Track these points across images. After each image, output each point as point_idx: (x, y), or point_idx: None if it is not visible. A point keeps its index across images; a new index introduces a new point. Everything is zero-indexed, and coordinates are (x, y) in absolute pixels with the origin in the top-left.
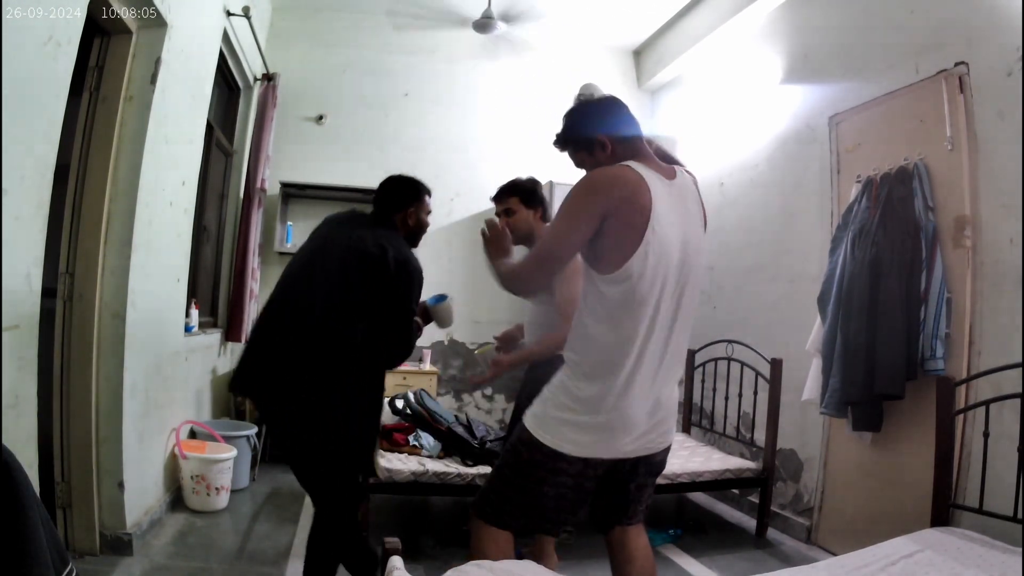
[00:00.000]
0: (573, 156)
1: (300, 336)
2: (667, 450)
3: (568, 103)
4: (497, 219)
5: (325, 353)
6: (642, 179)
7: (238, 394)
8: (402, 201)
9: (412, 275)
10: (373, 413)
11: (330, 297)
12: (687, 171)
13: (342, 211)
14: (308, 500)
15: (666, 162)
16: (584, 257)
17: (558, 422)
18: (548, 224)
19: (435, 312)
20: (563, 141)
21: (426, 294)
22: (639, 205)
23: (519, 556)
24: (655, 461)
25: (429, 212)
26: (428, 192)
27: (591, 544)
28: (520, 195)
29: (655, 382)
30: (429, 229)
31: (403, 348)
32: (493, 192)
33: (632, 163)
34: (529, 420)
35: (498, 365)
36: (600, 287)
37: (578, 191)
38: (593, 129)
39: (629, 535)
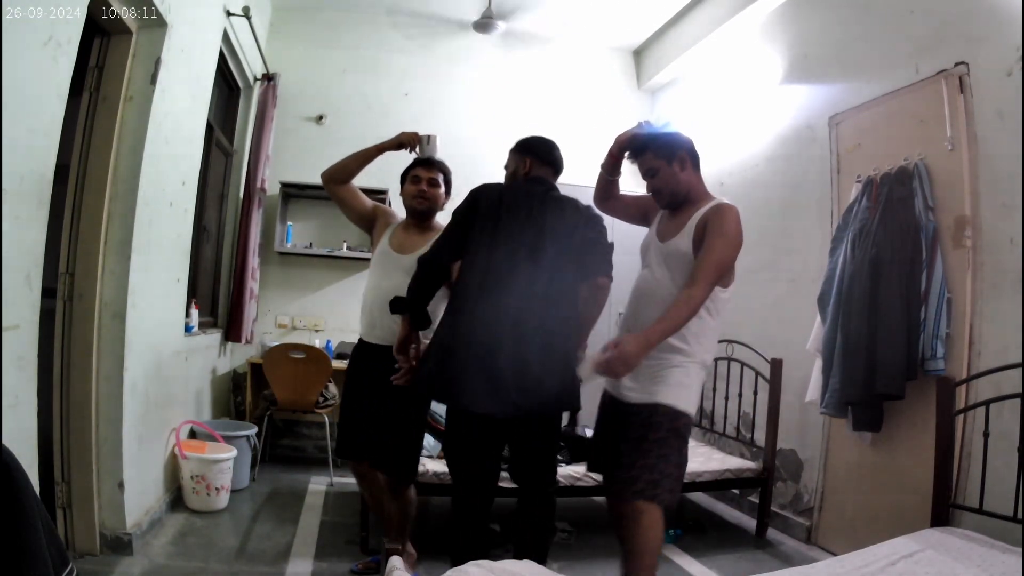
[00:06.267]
0: (651, 161)
1: None
2: None
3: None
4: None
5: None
6: None
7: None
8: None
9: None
10: None
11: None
12: None
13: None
14: (308, 500)
15: None
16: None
17: (690, 392)
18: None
19: None
20: (652, 148)
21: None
22: None
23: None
24: None
25: None
26: None
27: (591, 544)
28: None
29: None
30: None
31: None
32: None
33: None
34: (671, 397)
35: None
36: (722, 296)
37: (735, 223)
38: (679, 145)
39: None
